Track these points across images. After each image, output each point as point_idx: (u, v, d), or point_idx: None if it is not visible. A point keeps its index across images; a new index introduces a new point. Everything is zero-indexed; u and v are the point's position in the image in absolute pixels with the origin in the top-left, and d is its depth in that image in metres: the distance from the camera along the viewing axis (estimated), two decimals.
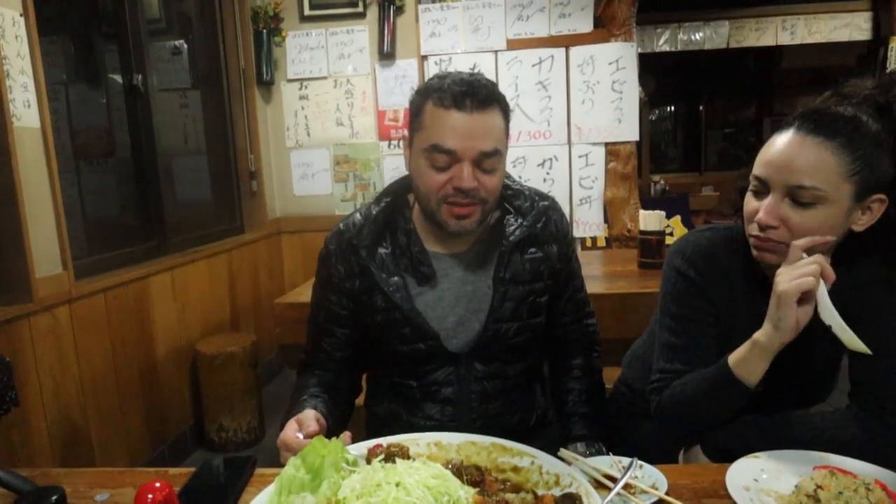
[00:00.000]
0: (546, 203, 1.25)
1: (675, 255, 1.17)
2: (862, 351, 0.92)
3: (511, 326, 1.20)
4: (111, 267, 2.56)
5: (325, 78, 3.81)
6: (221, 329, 3.25)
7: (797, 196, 0.95)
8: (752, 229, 1.01)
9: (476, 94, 1.07)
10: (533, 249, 1.22)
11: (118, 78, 2.77)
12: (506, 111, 1.14)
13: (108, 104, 2.76)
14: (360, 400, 1.40)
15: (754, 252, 1.03)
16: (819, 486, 0.79)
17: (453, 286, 1.20)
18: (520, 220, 1.21)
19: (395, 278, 1.18)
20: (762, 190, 1.00)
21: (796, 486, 0.82)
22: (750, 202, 1.02)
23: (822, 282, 0.93)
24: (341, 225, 1.25)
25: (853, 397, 1.04)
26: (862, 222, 0.98)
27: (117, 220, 2.86)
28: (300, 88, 3.84)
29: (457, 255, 1.22)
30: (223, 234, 3.52)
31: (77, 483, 1.03)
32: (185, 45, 3.38)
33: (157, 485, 0.65)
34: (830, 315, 0.93)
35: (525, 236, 1.20)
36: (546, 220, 1.23)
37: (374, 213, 1.21)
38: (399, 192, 1.24)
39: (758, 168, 1.01)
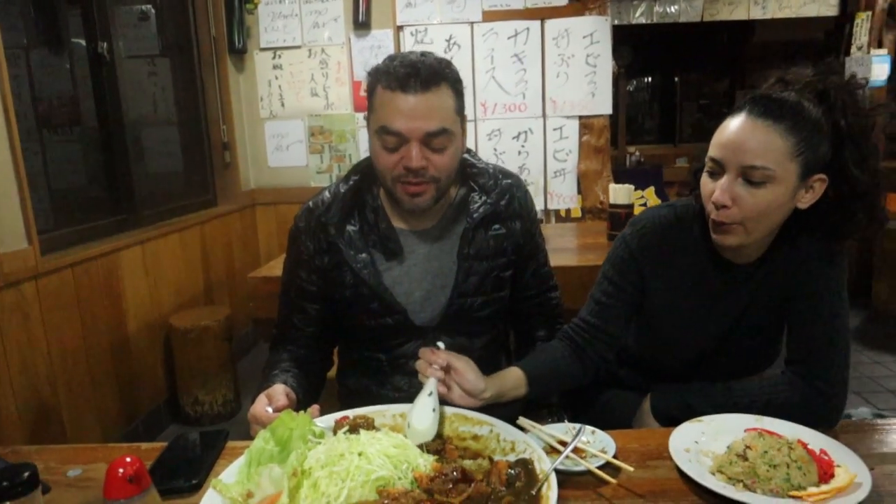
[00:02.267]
0: (509, 181, 1.29)
1: (629, 225, 1.24)
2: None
3: (476, 300, 1.24)
4: (79, 241, 2.53)
5: (298, 47, 3.74)
6: (195, 303, 3.24)
7: (749, 176, 1.00)
8: (711, 210, 1.06)
9: (420, 74, 1.09)
10: (497, 226, 1.26)
11: (83, 43, 2.69)
12: (457, 90, 1.16)
13: (73, 71, 2.69)
14: (333, 374, 1.44)
15: (713, 235, 1.08)
16: (748, 447, 0.86)
17: (419, 262, 1.24)
18: (483, 198, 1.24)
19: (363, 255, 1.21)
20: (717, 170, 1.05)
21: (728, 447, 0.89)
22: (706, 183, 1.07)
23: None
24: (311, 203, 1.27)
25: (788, 364, 1.11)
26: (805, 200, 1.04)
27: (85, 192, 2.81)
28: (274, 58, 3.77)
29: (422, 231, 1.25)
30: (196, 206, 3.48)
31: (48, 459, 1.04)
32: (153, 11, 3.28)
33: (128, 459, 0.68)
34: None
35: (489, 213, 1.23)
36: (510, 198, 1.27)
37: (342, 190, 1.24)
38: (367, 170, 1.26)
39: (713, 150, 1.06)
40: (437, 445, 0.92)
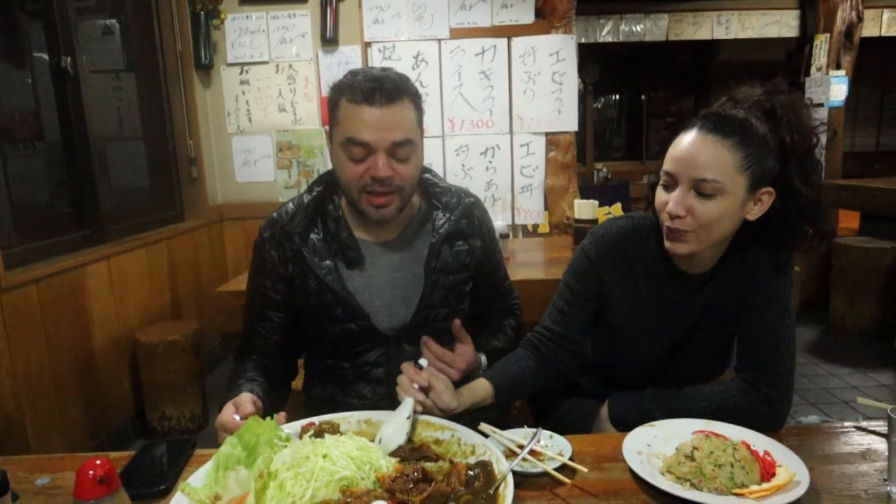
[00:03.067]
0: (471, 200, 1.35)
1: (588, 235, 1.30)
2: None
3: (441, 312, 1.28)
4: (44, 256, 2.50)
5: (266, 63, 3.77)
6: (162, 318, 3.21)
7: (701, 188, 1.07)
8: (665, 219, 1.12)
9: (384, 88, 1.13)
10: (460, 242, 1.31)
11: (45, 57, 2.67)
12: (417, 103, 1.21)
13: (35, 85, 2.66)
14: (299, 385, 1.46)
15: (667, 244, 1.14)
16: (695, 448, 0.91)
17: (381, 272, 1.28)
18: (447, 215, 1.30)
19: (327, 262, 1.24)
20: (671, 183, 1.11)
21: (677, 449, 0.94)
22: (660, 195, 1.13)
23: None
24: (275, 214, 1.31)
25: (738, 371, 1.17)
26: (754, 212, 1.11)
27: (49, 207, 2.77)
28: (241, 73, 3.79)
29: (384, 243, 1.30)
30: (162, 221, 3.45)
31: (16, 469, 1.04)
32: (118, 25, 3.27)
33: (98, 461, 0.70)
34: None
35: (453, 230, 1.29)
36: (470, 217, 1.33)
37: (305, 201, 1.28)
38: (330, 181, 1.30)
39: (667, 164, 1.12)
40: (401, 452, 0.95)
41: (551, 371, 1.28)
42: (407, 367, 1.08)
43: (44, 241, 2.55)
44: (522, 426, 1.08)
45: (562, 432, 1.07)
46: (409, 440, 0.99)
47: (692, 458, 0.89)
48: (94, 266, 2.69)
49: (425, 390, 1.06)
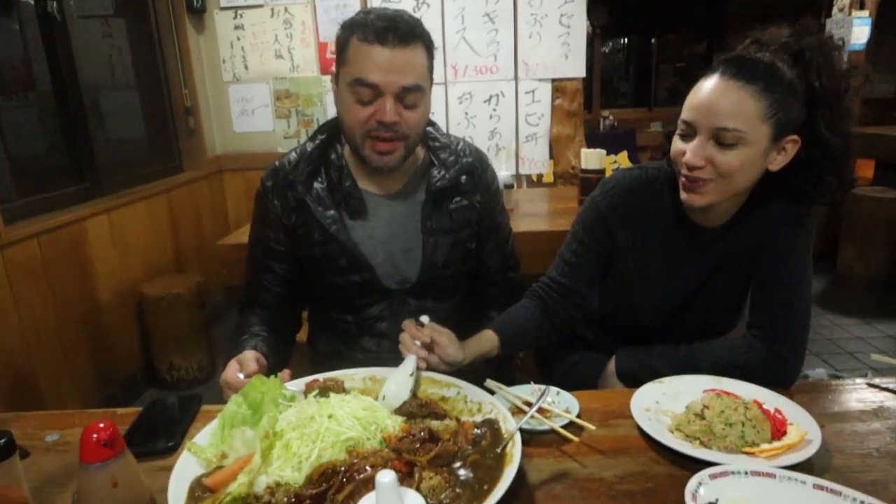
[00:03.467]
0: (470, 159, 1.29)
1: (600, 185, 1.26)
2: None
3: (445, 272, 1.26)
4: (42, 210, 2.47)
5: (261, 6, 3.61)
6: (166, 271, 3.21)
7: (721, 137, 1.01)
8: (682, 170, 1.07)
9: (398, 29, 1.08)
10: (458, 198, 1.27)
11: (31, 2, 2.56)
12: (429, 49, 1.15)
13: (23, 32, 2.56)
14: (304, 336, 1.45)
15: (683, 196, 1.09)
16: (706, 406, 0.89)
17: (383, 224, 1.25)
18: (442, 172, 1.25)
19: (332, 211, 1.21)
20: (689, 133, 1.05)
21: (686, 407, 0.93)
22: (677, 144, 1.08)
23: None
24: (277, 163, 1.27)
25: (750, 327, 1.15)
26: (777, 162, 1.05)
27: (45, 160, 2.72)
28: (235, 17, 3.64)
29: (388, 195, 1.26)
30: (161, 173, 3.40)
31: (26, 426, 1.05)
32: None
33: (101, 425, 0.69)
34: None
35: (447, 187, 1.24)
36: (470, 173, 1.28)
37: (308, 149, 1.24)
38: (333, 130, 1.26)
39: (685, 112, 1.06)
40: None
41: (555, 322, 1.26)
42: (408, 324, 1.06)
43: (42, 194, 2.51)
44: (529, 382, 1.07)
45: (567, 387, 1.07)
46: (414, 396, 0.98)
47: (702, 417, 0.88)
48: (95, 220, 2.66)
49: (428, 347, 1.04)
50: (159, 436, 0.98)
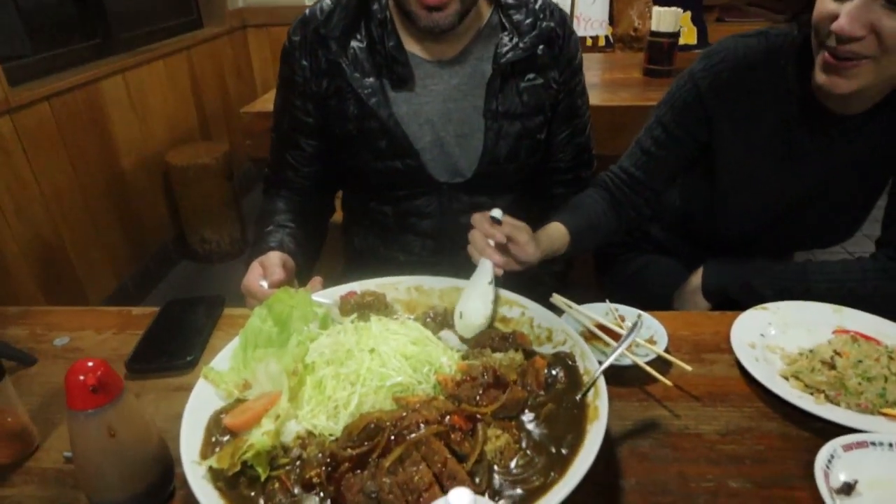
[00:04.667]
0: (551, 23, 1.01)
1: (702, 57, 1.00)
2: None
3: (508, 167, 1.04)
4: (51, 70, 2.26)
5: None
6: (191, 138, 3.03)
7: None
8: (829, 40, 0.80)
9: None
10: (531, 75, 1.01)
11: None
12: None
13: None
14: (339, 218, 1.28)
15: (821, 77, 0.82)
16: (837, 352, 0.71)
17: (434, 100, 1.01)
18: (515, 40, 0.99)
19: (371, 79, 0.98)
20: None
21: (811, 351, 0.76)
22: (825, 3, 0.80)
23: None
24: (307, 12, 1.02)
25: (881, 246, 0.94)
26: None
27: (50, 11, 2.46)
28: None
29: (441, 63, 1.01)
30: (178, 28, 3.11)
31: (35, 325, 0.96)
32: None
33: (90, 363, 0.55)
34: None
35: (520, 59, 0.99)
36: (549, 42, 1.01)
37: None
38: None
39: None
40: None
41: (623, 219, 1.08)
42: (480, 220, 0.84)
43: (49, 51, 2.29)
44: (605, 300, 0.90)
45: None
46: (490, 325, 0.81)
47: (833, 366, 0.70)
48: (110, 81, 2.45)
49: (501, 247, 0.84)
50: (176, 348, 0.87)
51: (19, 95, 1.98)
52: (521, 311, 0.82)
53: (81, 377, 0.55)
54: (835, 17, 0.77)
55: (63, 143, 2.19)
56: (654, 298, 1.06)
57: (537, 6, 1.02)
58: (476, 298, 0.80)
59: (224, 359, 0.73)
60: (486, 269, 0.82)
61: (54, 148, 2.15)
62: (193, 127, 3.08)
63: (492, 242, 0.82)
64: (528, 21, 1.00)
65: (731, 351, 0.78)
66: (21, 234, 2.00)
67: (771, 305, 0.85)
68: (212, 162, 2.72)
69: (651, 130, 1.05)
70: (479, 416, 0.61)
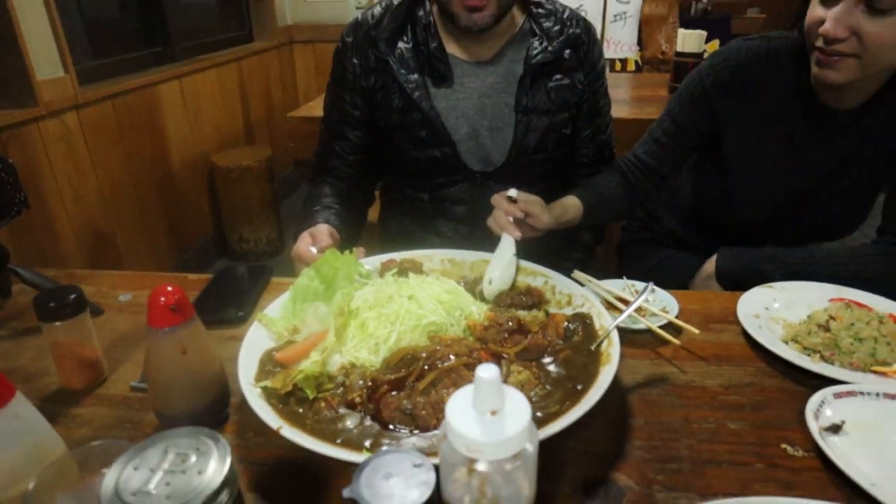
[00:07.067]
0: (577, 31, 1.13)
1: (709, 58, 1.10)
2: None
3: (535, 157, 1.14)
4: (116, 73, 2.45)
5: None
6: (236, 142, 3.20)
7: (874, 1, 0.82)
8: (818, 41, 0.89)
9: None
10: (558, 76, 1.12)
11: None
12: None
13: None
14: (374, 216, 1.39)
15: (815, 69, 0.91)
16: (832, 317, 0.78)
17: (470, 96, 1.12)
18: (544, 44, 1.10)
19: (415, 76, 1.10)
20: None
21: (808, 316, 0.82)
22: (814, 10, 0.89)
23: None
24: (359, 16, 1.15)
25: (882, 233, 1.00)
26: None
27: (117, 21, 2.67)
28: None
29: (478, 63, 1.12)
30: (231, 41, 3.31)
31: (101, 284, 1.07)
32: None
33: (169, 288, 0.64)
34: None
35: (549, 61, 1.10)
36: (575, 47, 1.12)
37: (395, 2, 1.12)
38: None
39: None
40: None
41: (634, 201, 1.19)
42: (499, 199, 0.95)
43: (114, 57, 2.48)
44: (622, 277, 0.97)
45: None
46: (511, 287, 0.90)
47: (827, 329, 0.77)
48: (167, 85, 2.63)
49: (518, 221, 0.94)
50: (230, 304, 0.96)
51: (86, 94, 2.16)
52: (545, 279, 0.90)
53: (162, 299, 0.64)
54: (822, 21, 0.86)
55: (121, 139, 2.36)
56: (671, 289, 1.13)
57: (565, 16, 1.13)
58: (503, 268, 0.89)
59: (276, 308, 0.82)
60: (509, 243, 0.92)
61: (113, 143, 2.32)
62: (239, 131, 3.26)
63: (511, 219, 0.92)
64: (556, 28, 1.11)
65: (738, 322, 0.84)
66: (76, 220, 2.15)
67: (777, 284, 0.92)
68: (255, 164, 2.87)
69: (662, 122, 1.16)
70: (503, 355, 0.69)
